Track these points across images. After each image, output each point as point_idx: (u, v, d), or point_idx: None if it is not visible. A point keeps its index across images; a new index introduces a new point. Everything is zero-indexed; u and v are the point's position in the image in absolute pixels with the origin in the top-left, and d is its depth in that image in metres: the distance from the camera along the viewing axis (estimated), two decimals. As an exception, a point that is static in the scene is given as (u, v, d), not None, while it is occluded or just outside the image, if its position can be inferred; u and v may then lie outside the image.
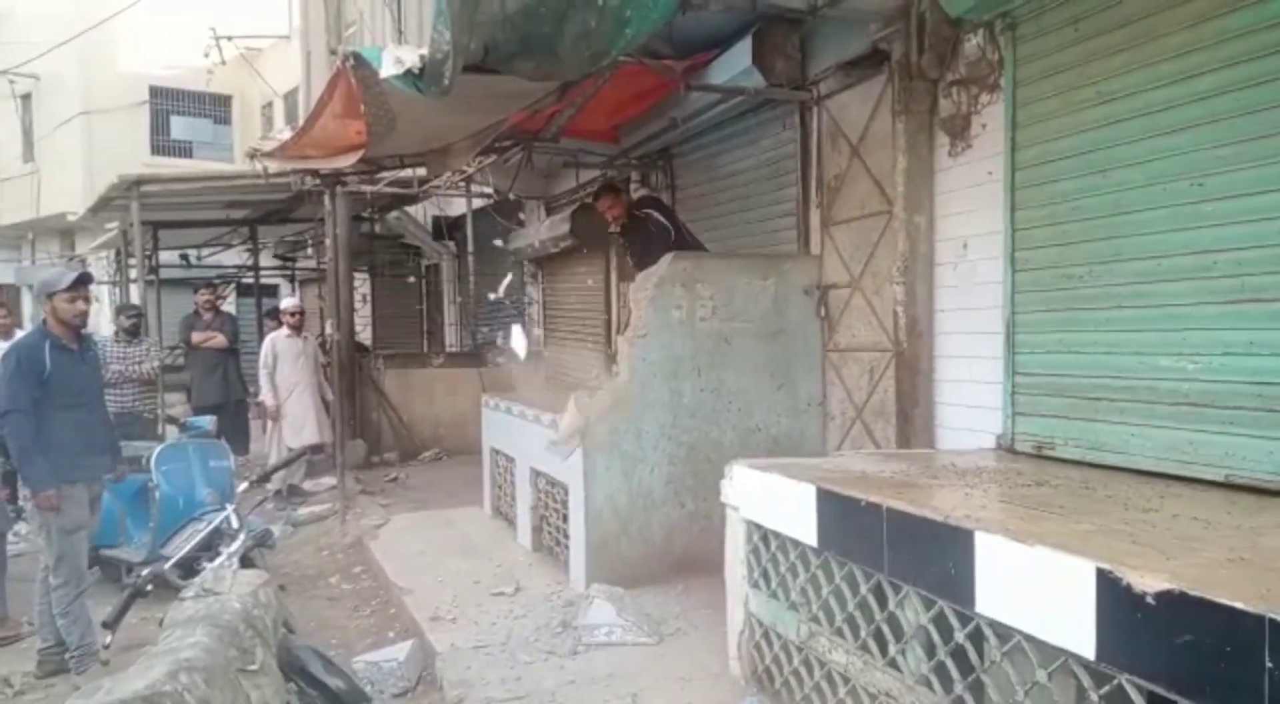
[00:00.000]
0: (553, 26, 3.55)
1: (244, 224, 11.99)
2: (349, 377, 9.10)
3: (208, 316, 9.56)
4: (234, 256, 14.60)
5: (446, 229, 11.99)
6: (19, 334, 7.52)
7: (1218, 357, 3.15)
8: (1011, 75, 3.97)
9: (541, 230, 9.19)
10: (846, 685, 2.96)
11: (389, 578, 5.41)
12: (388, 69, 3.74)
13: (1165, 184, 3.30)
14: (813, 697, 3.15)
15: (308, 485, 8.38)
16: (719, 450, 4.99)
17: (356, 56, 4.04)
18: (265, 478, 4.45)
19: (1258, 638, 1.72)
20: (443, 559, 5.66)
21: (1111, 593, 2.00)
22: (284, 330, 8.41)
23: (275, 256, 14.82)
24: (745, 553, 3.54)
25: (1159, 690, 1.93)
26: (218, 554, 3.47)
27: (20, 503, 6.14)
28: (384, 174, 7.59)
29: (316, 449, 8.26)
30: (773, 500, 3.34)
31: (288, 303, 8.76)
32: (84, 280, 4.54)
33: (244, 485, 4.13)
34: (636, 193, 7.17)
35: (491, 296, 8.87)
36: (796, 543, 3.21)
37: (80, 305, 4.49)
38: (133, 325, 7.67)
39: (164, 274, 12.57)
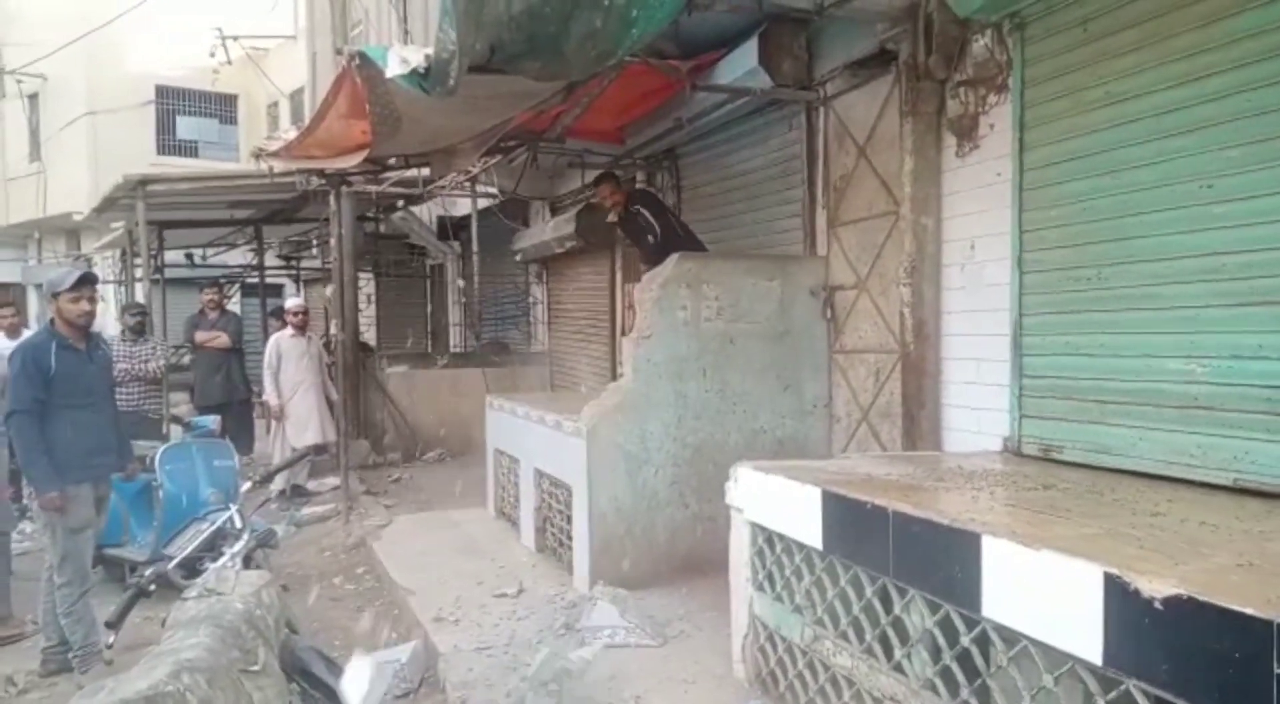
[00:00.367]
0: (558, 26, 3.54)
1: (249, 224, 12.00)
2: (353, 377, 9.10)
3: (213, 316, 9.59)
4: (239, 256, 14.62)
5: (451, 229, 11.98)
6: (26, 333, 7.55)
7: (1227, 360, 3.12)
8: (1020, 76, 3.95)
9: (546, 230, 9.19)
10: (851, 689, 2.94)
11: (392, 578, 5.41)
12: (393, 69, 3.73)
13: (1175, 186, 3.28)
14: (817, 700, 3.13)
15: (311, 485, 8.38)
16: (724, 452, 4.97)
17: (362, 56, 4.04)
18: (269, 478, 4.45)
19: (1266, 644, 1.71)
20: (446, 560, 5.66)
21: (1119, 598, 1.98)
22: (288, 330, 8.41)
23: (279, 257, 14.83)
24: (750, 555, 3.52)
25: (1167, 696, 1.91)
26: (221, 554, 3.47)
27: (24, 502, 6.16)
28: (389, 174, 7.59)
29: (320, 449, 8.26)
30: (778, 502, 3.33)
31: (292, 303, 8.76)
32: (87, 280, 4.53)
33: (248, 485, 4.13)
34: (635, 187, 7.15)
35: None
36: (801, 545, 3.20)
37: (84, 305, 4.48)
38: (137, 323, 7.68)
39: (169, 274, 12.59)
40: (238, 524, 3.76)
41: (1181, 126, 3.25)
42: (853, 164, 5.04)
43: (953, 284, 4.46)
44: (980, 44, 4.08)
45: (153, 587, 3.18)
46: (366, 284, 13.41)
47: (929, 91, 4.40)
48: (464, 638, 4.26)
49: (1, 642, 4.96)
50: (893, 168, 4.64)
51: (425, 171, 7.31)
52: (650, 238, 6.00)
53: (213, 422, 6.89)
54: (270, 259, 14.34)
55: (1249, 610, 1.75)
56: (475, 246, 10.06)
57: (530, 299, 11.13)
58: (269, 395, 8.24)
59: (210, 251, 14.32)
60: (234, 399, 9.36)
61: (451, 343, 12.98)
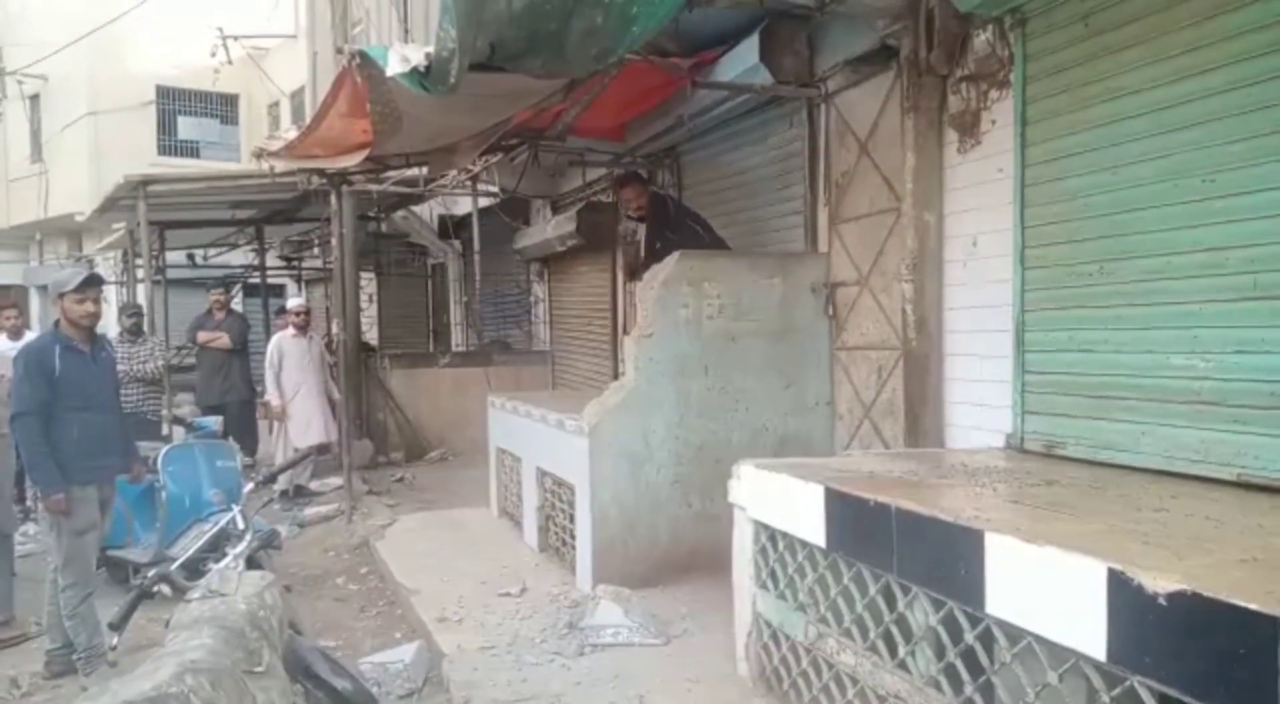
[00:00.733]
0: (559, 24, 3.54)
1: (250, 224, 12.01)
2: (355, 376, 9.11)
3: (219, 316, 9.62)
4: (240, 256, 14.63)
5: (453, 228, 11.99)
6: (29, 335, 7.56)
7: (1230, 354, 3.12)
8: (1021, 71, 3.94)
9: (548, 229, 9.18)
10: (855, 687, 2.94)
11: (395, 578, 5.41)
12: (394, 67, 3.73)
13: (1176, 180, 3.27)
14: (821, 698, 3.13)
15: (314, 486, 8.38)
16: (726, 450, 4.97)
17: (362, 55, 4.04)
18: (272, 478, 4.45)
19: (1271, 639, 1.70)
20: (449, 560, 5.66)
21: (1123, 594, 1.98)
22: (290, 330, 8.42)
23: (280, 257, 14.84)
24: (753, 553, 3.52)
25: (1171, 692, 1.90)
26: (224, 555, 3.46)
27: (28, 503, 6.17)
28: (390, 173, 7.59)
29: (322, 449, 8.26)
30: (780, 500, 3.32)
31: (294, 303, 8.77)
32: (92, 282, 4.54)
33: (250, 486, 4.13)
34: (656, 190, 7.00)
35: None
36: (804, 543, 3.19)
37: (89, 307, 4.48)
38: (134, 324, 7.68)
39: (171, 274, 12.60)
40: (241, 525, 3.76)
41: (1183, 121, 3.24)
42: (854, 160, 5.03)
43: (955, 280, 4.45)
44: (981, 39, 4.07)
45: (156, 588, 3.17)
46: (368, 283, 13.42)
47: (930, 87, 4.39)
48: (467, 638, 4.27)
49: (5, 644, 4.97)
50: (894, 164, 4.63)
51: (426, 170, 7.31)
52: (659, 244, 5.85)
53: (215, 423, 6.89)
54: (271, 259, 14.35)
55: (1253, 606, 1.74)
56: (476, 245, 10.05)
57: (532, 298, 11.13)
58: (271, 396, 8.25)
59: (212, 252, 14.33)
60: (234, 399, 9.37)
61: (453, 342, 12.99)
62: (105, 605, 4.42)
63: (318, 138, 5.51)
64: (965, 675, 2.49)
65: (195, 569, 3.41)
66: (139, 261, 10.87)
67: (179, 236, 12.40)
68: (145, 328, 8.13)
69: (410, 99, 4.17)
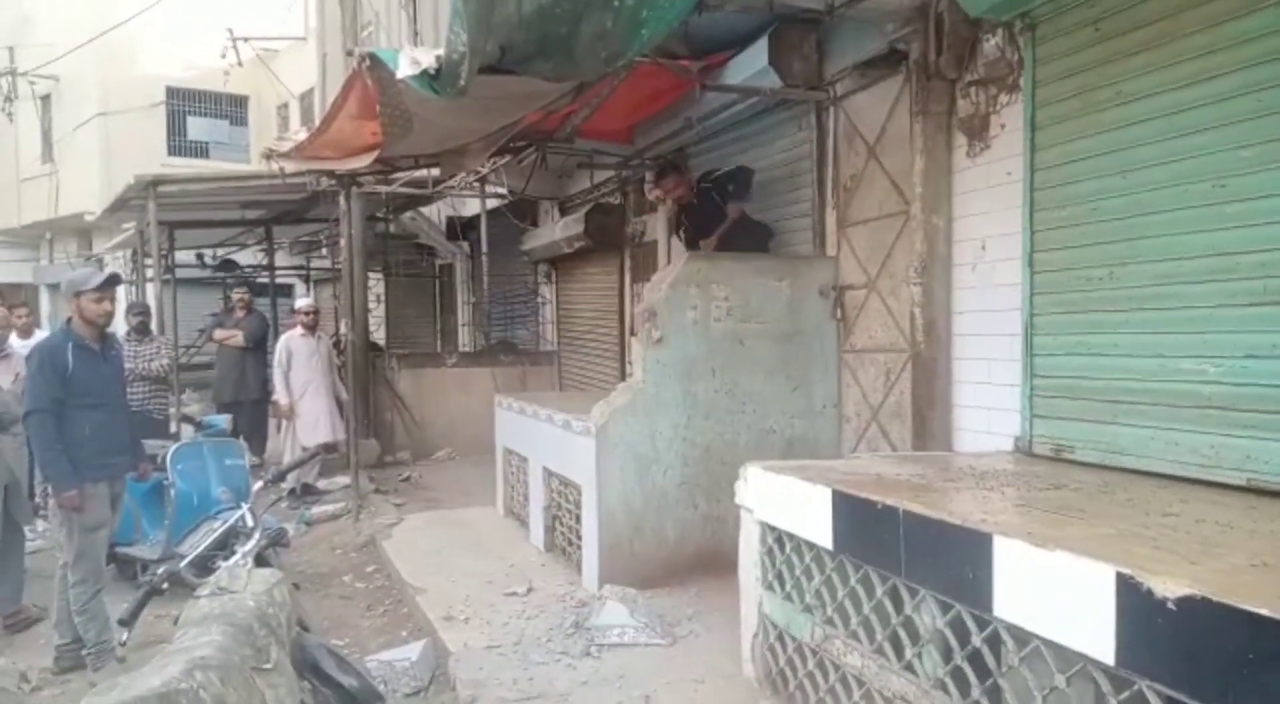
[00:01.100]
0: (569, 27, 3.55)
1: (259, 224, 12.06)
2: (363, 376, 9.14)
3: (240, 314, 9.68)
4: (249, 256, 14.67)
5: (461, 229, 12.03)
6: (39, 333, 7.60)
7: (1240, 360, 3.11)
8: (1031, 76, 3.94)
9: (556, 230, 9.20)
10: (861, 689, 2.94)
11: (402, 577, 5.42)
12: (404, 70, 3.74)
13: (1186, 185, 3.27)
14: (827, 699, 3.13)
15: (321, 484, 8.41)
16: (733, 452, 4.97)
17: (373, 58, 4.05)
18: (280, 477, 4.47)
19: (1281, 645, 1.70)
20: (455, 559, 5.67)
21: (1132, 598, 1.98)
22: (298, 329, 8.45)
23: (295, 256, 14.87)
24: (759, 555, 3.52)
25: (1179, 696, 1.90)
26: (233, 553, 3.48)
27: (37, 500, 6.20)
28: (399, 174, 7.61)
29: (330, 448, 8.30)
30: (787, 502, 3.32)
31: (302, 302, 8.80)
32: (113, 281, 4.63)
33: (259, 484, 4.15)
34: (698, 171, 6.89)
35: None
36: (811, 545, 3.20)
37: (107, 306, 4.56)
38: (140, 323, 7.72)
39: (180, 274, 12.65)
40: (250, 523, 3.78)
41: (1193, 126, 3.24)
42: (862, 164, 5.03)
43: (964, 284, 4.45)
44: (991, 43, 4.07)
45: (165, 585, 3.19)
46: (376, 284, 13.45)
47: (940, 91, 4.39)
48: (473, 636, 4.27)
49: (13, 626, 5.05)
50: (903, 168, 4.63)
51: (435, 172, 7.33)
52: (718, 225, 5.75)
53: (224, 421, 6.91)
54: (280, 259, 14.39)
55: (1263, 611, 1.74)
56: (484, 247, 10.09)
57: (539, 299, 11.15)
58: (279, 394, 8.28)
59: (221, 251, 14.38)
60: (246, 398, 9.41)
61: (460, 342, 13.01)
62: (114, 602, 4.45)
63: (328, 139, 5.53)
64: (972, 678, 2.49)
65: (204, 566, 3.43)
66: (148, 261, 10.92)
67: (188, 236, 12.45)
68: (152, 327, 8.17)
69: (420, 101, 4.18)
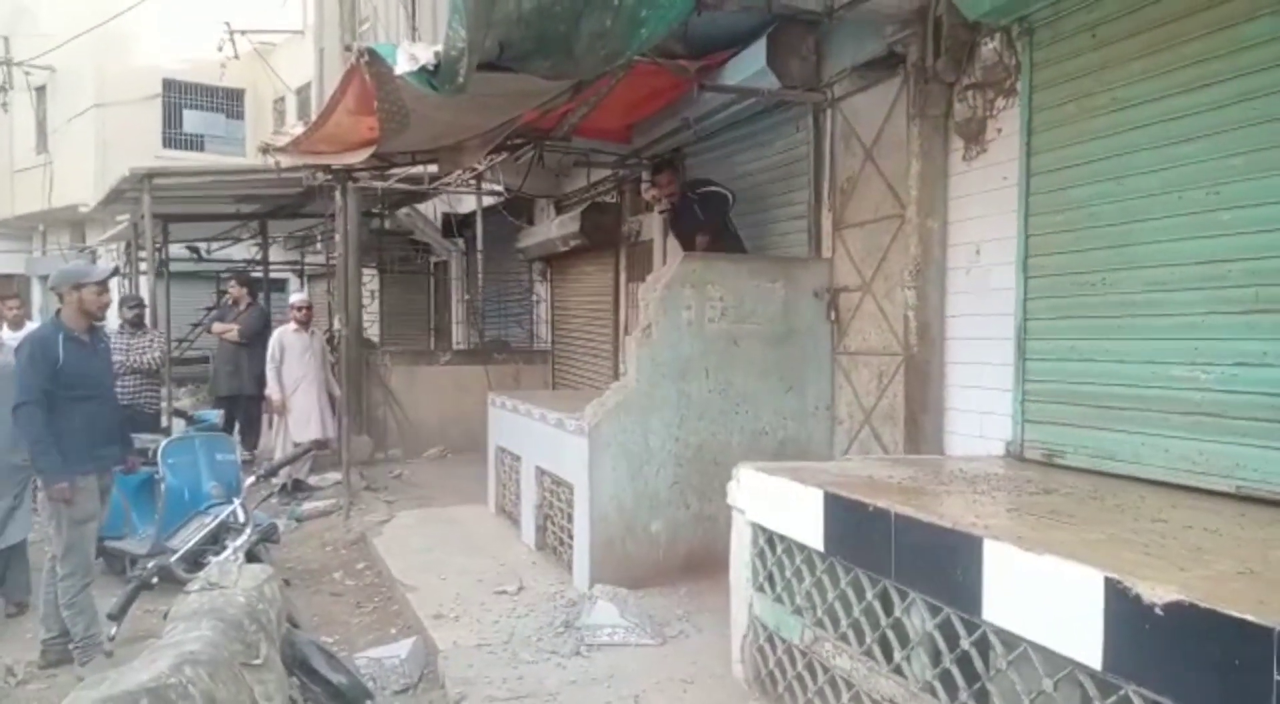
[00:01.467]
0: (568, 26, 3.55)
1: (254, 218, 12.03)
2: (356, 372, 9.12)
3: (241, 308, 9.66)
4: (243, 250, 14.64)
5: (456, 226, 12.00)
6: (29, 325, 7.57)
7: (1231, 367, 3.12)
8: (1028, 80, 3.95)
9: (551, 229, 9.20)
10: (850, 691, 2.94)
11: (392, 574, 5.41)
12: (403, 66, 3.73)
13: (1180, 192, 3.28)
14: (816, 701, 3.13)
15: (312, 480, 8.39)
16: (726, 452, 4.98)
17: (371, 53, 4.04)
18: (272, 473, 4.46)
19: (1267, 651, 1.71)
20: (446, 557, 5.66)
21: (1120, 603, 1.98)
22: (291, 325, 8.43)
23: (285, 251, 14.85)
24: (750, 556, 3.53)
25: (1166, 702, 1.91)
26: (223, 548, 3.48)
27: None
28: (395, 170, 7.59)
29: (321, 444, 8.27)
30: (779, 504, 3.33)
31: (296, 298, 8.78)
32: (115, 273, 4.62)
33: (251, 480, 4.14)
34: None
35: None
36: (802, 547, 3.20)
37: (107, 298, 4.59)
38: (135, 316, 7.69)
39: (174, 267, 12.61)
40: (241, 518, 3.77)
41: (1188, 133, 3.25)
42: (859, 166, 5.04)
43: (958, 288, 4.46)
44: (989, 48, 4.08)
45: (156, 579, 3.19)
46: (370, 280, 13.42)
47: (937, 94, 4.40)
48: (463, 635, 4.27)
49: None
50: (899, 171, 4.64)
51: (431, 168, 7.32)
52: (700, 236, 5.85)
53: (216, 416, 6.89)
54: (274, 254, 14.35)
55: (1250, 617, 1.75)
56: (479, 244, 10.07)
57: (534, 297, 11.14)
58: (271, 389, 8.25)
59: (215, 245, 14.34)
60: (241, 393, 9.38)
61: (454, 340, 13.00)
62: (102, 596, 4.44)
63: (324, 134, 5.51)
64: (961, 681, 2.50)
65: (195, 561, 3.42)
66: (142, 254, 10.89)
67: (182, 229, 12.42)
68: (146, 320, 8.14)
69: (418, 97, 4.17)
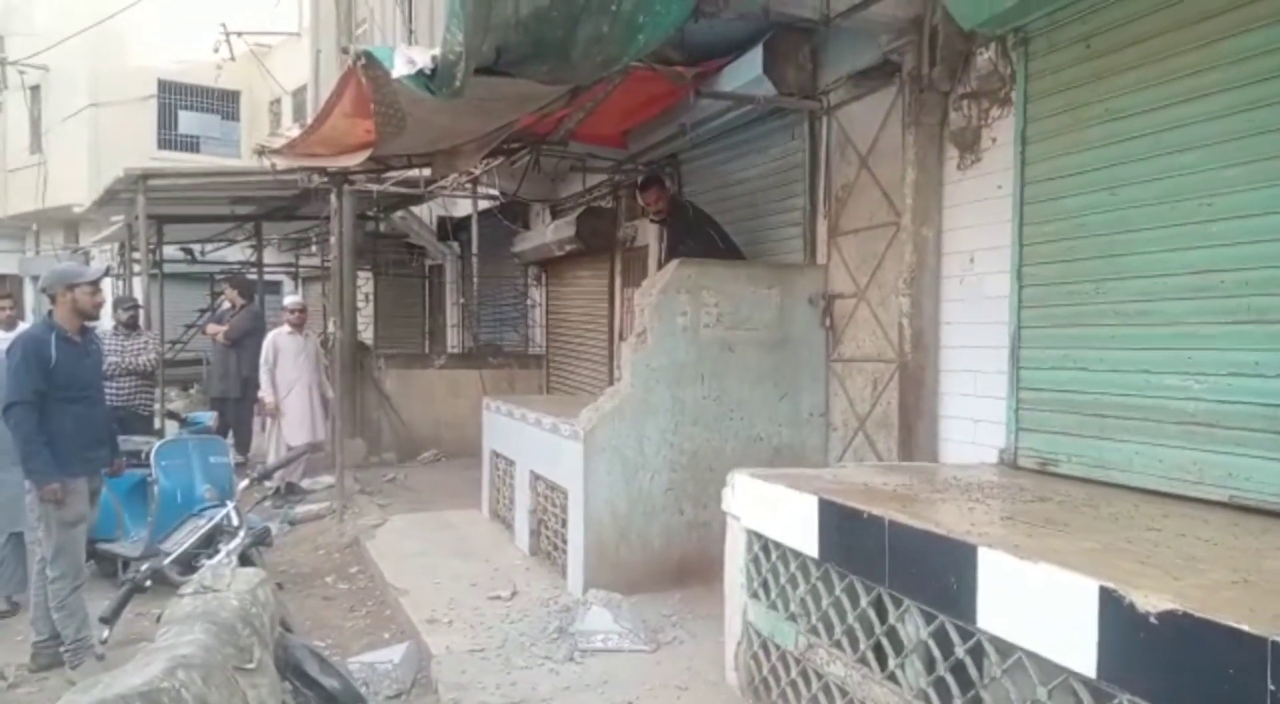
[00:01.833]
0: (566, 31, 3.55)
1: (249, 220, 12.01)
2: (350, 375, 9.10)
3: (235, 310, 9.64)
4: (238, 253, 14.60)
5: (452, 230, 12.00)
6: (21, 326, 7.53)
7: (1224, 377, 3.14)
8: (1023, 90, 3.97)
9: (547, 233, 9.20)
10: (844, 698, 2.94)
11: (385, 579, 5.40)
12: (400, 69, 3.73)
13: (1173, 203, 3.30)
14: (810, 708, 3.14)
15: (306, 483, 8.36)
16: (720, 458, 4.98)
17: (368, 56, 4.04)
18: (266, 475, 4.44)
19: (1260, 660, 1.72)
20: (440, 561, 5.65)
21: (1114, 612, 1.99)
22: (285, 327, 8.41)
23: (280, 253, 14.83)
24: (745, 562, 3.53)
25: (1160, 711, 1.92)
26: (217, 551, 3.46)
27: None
28: (391, 173, 7.59)
29: (315, 447, 8.25)
30: (774, 510, 3.33)
31: (290, 300, 8.76)
32: (105, 275, 4.62)
33: (245, 483, 4.13)
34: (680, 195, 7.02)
35: None
36: (797, 554, 3.20)
37: (100, 298, 4.59)
38: (130, 318, 7.67)
39: (168, 269, 12.58)
40: (234, 521, 3.76)
41: (1181, 144, 3.27)
42: (854, 174, 5.06)
43: (952, 296, 4.47)
44: (984, 57, 4.09)
45: (148, 582, 3.18)
46: (365, 283, 13.40)
47: (932, 103, 4.41)
48: (457, 640, 4.26)
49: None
50: (894, 179, 4.65)
51: (427, 171, 7.31)
52: (682, 248, 5.89)
53: (209, 418, 6.87)
54: (269, 256, 14.32)
55: (1244, 627, 1.76)
56: (475, 248, 10.07)
57: (529, 302, 11.14)
58: (265, 392, 8.23)
59: (209, 247, 14.31)
60: (227, 396, 9.35)
61: (449, 343, 12.98)
62: (93, 599, 4.42)
63: (320, 136, 5.51)
64: (955, 689, 2.50)
65: (188, 564, 3.41)
66: (136, 255, 10.86)
67: (176, 231, 12.39)
68: (141, 322, 8.12)
69: (414, 101, 4.18)
